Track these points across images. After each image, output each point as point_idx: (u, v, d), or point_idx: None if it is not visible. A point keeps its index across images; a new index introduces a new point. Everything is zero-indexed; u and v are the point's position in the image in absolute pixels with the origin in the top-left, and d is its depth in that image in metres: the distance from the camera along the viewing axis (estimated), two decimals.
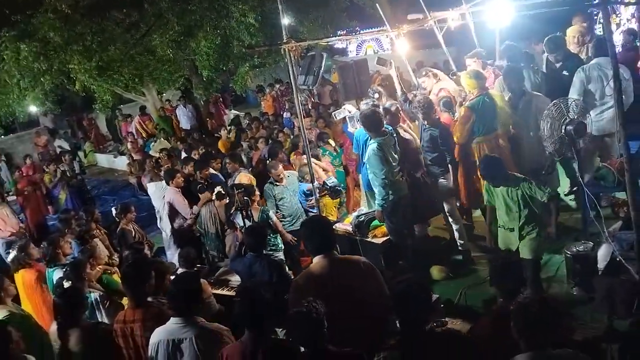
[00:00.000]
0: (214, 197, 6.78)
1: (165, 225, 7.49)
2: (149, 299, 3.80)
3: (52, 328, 4.12)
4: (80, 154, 16.56)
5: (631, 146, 4.39)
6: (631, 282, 4.25)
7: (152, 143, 13.57)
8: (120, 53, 10.60)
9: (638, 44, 7.77)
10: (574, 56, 6.62)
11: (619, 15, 9.48)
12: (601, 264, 4.75)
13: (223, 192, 6.92)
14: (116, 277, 5.39)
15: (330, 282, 3.45)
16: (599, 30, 9.18)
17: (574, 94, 5.75)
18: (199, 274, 4.70)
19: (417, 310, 2.95)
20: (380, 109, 6.01)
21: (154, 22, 10.66)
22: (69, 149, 15.79)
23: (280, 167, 6.54)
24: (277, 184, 6.47)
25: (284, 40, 5.47)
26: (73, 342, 3.69)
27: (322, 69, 5.54)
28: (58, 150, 15.97)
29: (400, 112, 6.47)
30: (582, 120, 5.07)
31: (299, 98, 5.99)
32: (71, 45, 10.06)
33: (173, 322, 3.33)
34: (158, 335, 3.36)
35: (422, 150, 6.06)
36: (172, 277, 4.24)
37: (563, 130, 4.95)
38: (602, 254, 4.77)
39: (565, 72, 6.28)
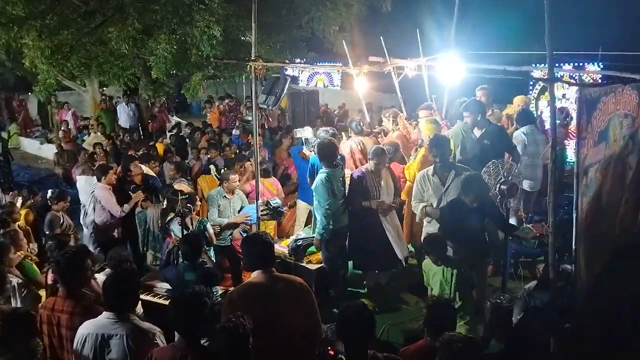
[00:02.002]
0: (163, 200, 6.70)
1: (88, 221, 7.21)
2: None
3: None
4: (4, 134, 15.59)
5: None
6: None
7: (86, 136, 13.06)
8: (73, 38, 10.21)
9: (567, 121, 8.55)
10: (495, 125, 6.81)
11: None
12: (515, 317, 5.11)
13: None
14: (35, 266, 5.13)
15: (265, 297, 3.51)
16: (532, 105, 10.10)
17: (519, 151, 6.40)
18: (137, 273, 4.58)
19: (361, 332, 3.04)
20: (335, 141, 6.22)
21: (112, 14, 10.39)
22: None
23: (234, 178, 6.53)
24: (225, 194, 6.44)
25: (252, 58, 5.56)
26: None
27: (285, 92, 5.68)
28: None
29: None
30: (515, 181, 5.50)
31: (256, 117, 6.04)
32: (30, 20, 9.60)
33: (105, 317, 3.24)
34: (87, 328, 3.25)
35: None
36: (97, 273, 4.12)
37: (497, 189, 5.34)
38: (518, 309, 5.13)
39: (486, 141, 6.40)
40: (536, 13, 4.71)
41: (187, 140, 11.74)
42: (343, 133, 7.92)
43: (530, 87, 11.54)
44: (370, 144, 7.04)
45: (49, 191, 6.42)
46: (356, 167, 6.76)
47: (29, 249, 5.74)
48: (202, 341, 3.20)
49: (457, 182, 5.27)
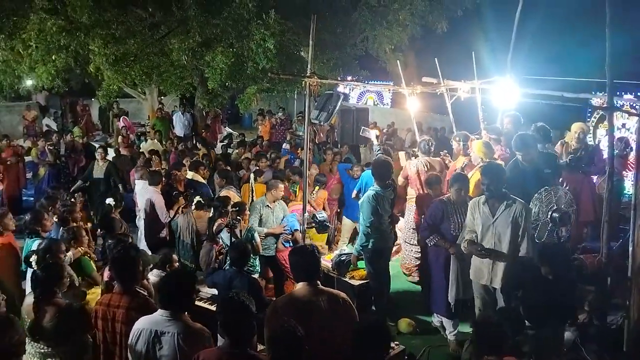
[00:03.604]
0: (193, 207, 6.90)
1: (142, 224, 7.54)
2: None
3: (27, 301, 4.10)
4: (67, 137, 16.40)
5: None
6: None
7: (143, 142, 13.60)
8: (137, 48, 10.73)
9: (626, 152, 8.26)
10: (544, 153, 6.40)
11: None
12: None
13: (203, 202, 7.06)
14: (93, 264, 5.37)
15: (308, 309, 3.56)
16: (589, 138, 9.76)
17: None
18: (194, 275, 4.75)
19: (374, 348, 3.04)
20: (391, 160, 6.24)
21: (176, 27, 10.88)
22: (56, 129, 15.64)
23: (282, 187, 6.65)
24: (268, 204, 6.58)
25: (308, 74, 5.71)
26: (47, 319, 3.68)
27: (337, 108, 5.78)
28: (45, 128, 15.82)
29: None
30: (568, 210, 5.37)
31: (308, 132, 6.18)
32: (96, 28, 10.17)
33: (159, 314, 3.37)
34: (142, 323, 3.40)
35: None
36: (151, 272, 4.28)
37: (549, 216, 5.23)
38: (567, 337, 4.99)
39: (547, 170, 6.07)
40: (597, 39, 4.64)
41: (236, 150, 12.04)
42: (400, 153, 7.95)
43: (589, 115, 11.24)
44: (438, 165, 6.77)
45: (110, 199, 6.72)
46: (422, 188, 6.58)
47: (90, 247, 6.05)
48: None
49: (507, 213, 4.93)
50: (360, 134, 8.32)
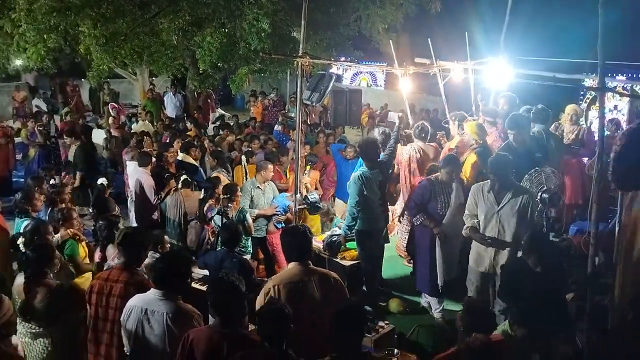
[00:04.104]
0: (179, 185, 6.92)
1: (133, 205, 7.54)
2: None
3: (18, 281, 4.10)
4: (57, 117, 16.25)
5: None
6: None
7: (134, 124, 13.49)
8: (127, 28, 10.57)
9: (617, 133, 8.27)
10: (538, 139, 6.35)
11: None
12: None
13: (189, 181, 7.08)
14: (81, 248, 5.33)
15: (299, 288, 3.61)
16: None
17: None
18: (189, 258, 4.77)
19: (350, 330, 3.06)
20: (378, 141, 6.20)
21: (166, 6, 10.71)
22: (46, 110, 15.48)
23: (271, 168, 6.66)
24: (259, 185, 6.58)
25: (300, 54, 5.65)
26: (38, 299, 3.67)
27: (330, 89, 5.75)
28: (34, 109, 15.64)
29: None
30: (557, 191, 5.41)
31: (300, 112, 6.14)
32: (86, 9, 10.00)
33: (152, 293, 3.41)
34: (135, 300, 3.44)
35: None
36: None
37: (539, 197, 5.25)
38: None
39: (538, 154, 6.00)
40: (590, 21, 4.62)
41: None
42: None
43: (581, 97, 11.25)
44: (432, 151, 6.68)
45: (102, 179, 6.69)
46: (410, 175, 6.57)
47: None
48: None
49: (513, 203, 4.91)
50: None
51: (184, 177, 7.12)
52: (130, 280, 3.67)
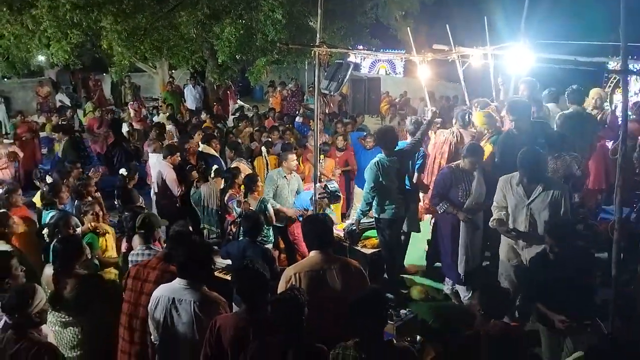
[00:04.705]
0: (212, 175, 7.03)
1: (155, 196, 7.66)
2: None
3: (47, 272, 4.22)
4: (80, 112, 16.53)
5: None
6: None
7: (155, 116, 13.67)
8: (147, 22, 10.70)
9: None
10: (538, 122, 6.11)
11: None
12: None
13: (220, 170, 7.22)
14: (102, 241, 5.39)
15: (320, 276, 3.64)
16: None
17: None
18: (211, 246, 4.87)
19: (371, 317, 3.07)
20: (396, 129, 6.18)
21: (184, 0, 10.81)
22: (69, 105, 15.76)
23: (292, 157, 6.70)
24: (285, 175, 6.63)
25: (317, 44, 5.66)
26: (68, 290, 3.79)
27: (347, 77, 5.74)
28: (58, 104, 15.94)
29: None
30: (581, 177, 5.35)
31: (318, 102, 6.15)
32: (107, 5, 10.15)
33: (177, 282, 3.48)
34: (161, 290, 3.51)
35: None
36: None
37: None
38: None
39: (541, 140, 5.63)
40: (613, 2, 4.53)
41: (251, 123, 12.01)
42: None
43: (605, 80, 11.01)
44: (468, 137, 6.37)
45: (122, 169, 6.82)
46: (439, 160, 6.39)
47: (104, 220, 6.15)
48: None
49: (544, 196, 4.70)
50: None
51: (215, 166, 7.23)
52: (168, 269, 3.77)
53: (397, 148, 5.85)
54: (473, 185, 5.46)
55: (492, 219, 5.06)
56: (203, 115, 11.68)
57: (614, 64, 6.70)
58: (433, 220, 6.51)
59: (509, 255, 5.04)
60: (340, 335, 3.29)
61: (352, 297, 3.21)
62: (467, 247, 5.50)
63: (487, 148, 6.03)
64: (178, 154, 7.52)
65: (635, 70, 7.50)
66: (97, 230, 5.40)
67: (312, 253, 3.80)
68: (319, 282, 3.63)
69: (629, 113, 7.24)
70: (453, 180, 5.51)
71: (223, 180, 6.92)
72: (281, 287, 3.64)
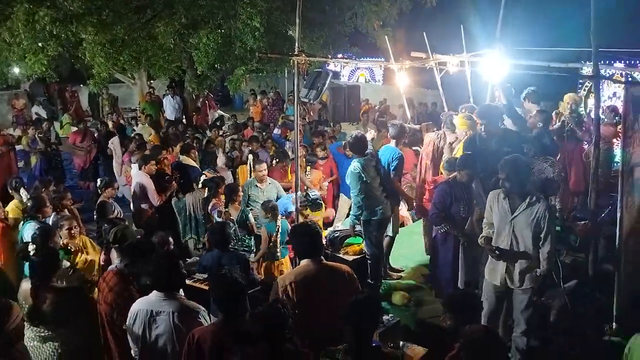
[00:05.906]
0: (200, 185, 7.02)
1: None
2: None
3: (24, 286, 4.13)
4: (56, 124, 16.29)
5: None
6: None
7: (135, 127, 13.53)
8: (125, 33, 10.60)
9: (616, 120, 8.29)
10: (510, 131, 6.04)
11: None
12: (553, 316, 5.07)
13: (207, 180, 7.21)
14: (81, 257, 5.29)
15: (314, 283, 3.65)
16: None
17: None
18: (178, 254, 4.83)
19: (365, 321, 3.09)
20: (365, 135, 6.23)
21: (162, 10, 10.74)
22: (45, 117, 15.52)
23: (261, 167, 6.73)
24: (257, 184, 6.62)
25: (296, 53, 5.68)
26: (47, 303, 3.72)
27: (326, 86, 5.77)
28: (34, 116, 15.69)
29: None
30: (557, 180, 5.44)
31: (297, 111, 6.17)
32: (87, 16, 10.03)
33: (154, 295, 3.45)
34: (139, 304, 3.48)
35: None
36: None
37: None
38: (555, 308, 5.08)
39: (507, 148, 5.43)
40: (588, 9, 4.63)
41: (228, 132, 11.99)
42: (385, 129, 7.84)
43: (580, 85, 11.25)
44: (452, 138, 6.35)
45: (99, 180, 6.75)
46: (428, 161, 6.48)
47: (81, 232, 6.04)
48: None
49: (529, 212, 4.37)
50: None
51: (203, 177, 7.28)
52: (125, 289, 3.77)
53: (382, 152, 5.92)
54: (473, 198, 5.39)
55: (480, 235, 4.84)
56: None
57: (587, 70, 6.87)
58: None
59: (491, 275, 4.70)
60: (334, 342, 3.30)
61: (346, 302, 3.22)
62: (466, 263, 5.42)
63: (459, 148, 6.11)
64: (153, 162, 7.47)
65: (607, 75, 7.67)
66: (69, 247, 5.30)
67: (304, 262, 3.80)
68: (313, 290, 3.63)
69: (603, 117, 7.43)
70: (453, 196, 5.41)
71: (207, 189, 6.89)
72: (273, 295, 3.63)
